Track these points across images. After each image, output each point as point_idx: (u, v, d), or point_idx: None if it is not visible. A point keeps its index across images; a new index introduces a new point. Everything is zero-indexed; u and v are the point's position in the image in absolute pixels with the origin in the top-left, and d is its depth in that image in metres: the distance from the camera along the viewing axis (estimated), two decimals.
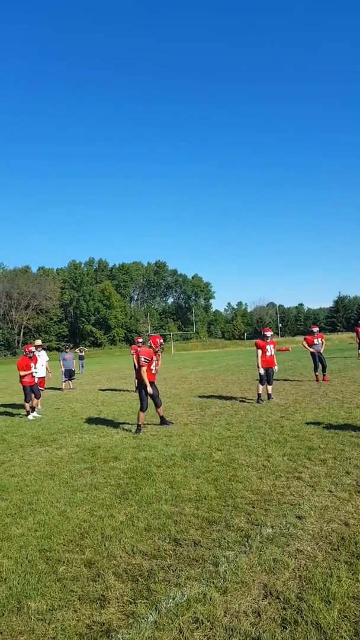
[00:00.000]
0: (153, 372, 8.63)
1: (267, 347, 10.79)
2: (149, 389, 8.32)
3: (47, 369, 12.76)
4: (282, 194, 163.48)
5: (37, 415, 10.92)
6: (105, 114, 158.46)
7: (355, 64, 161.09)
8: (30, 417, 10.82)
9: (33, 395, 10.99)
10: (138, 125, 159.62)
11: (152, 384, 8.48)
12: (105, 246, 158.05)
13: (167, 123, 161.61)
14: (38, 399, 11.13)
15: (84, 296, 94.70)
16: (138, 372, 8.57)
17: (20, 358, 11.26)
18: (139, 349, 9.28)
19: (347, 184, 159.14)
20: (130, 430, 8.40)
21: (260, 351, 10.72)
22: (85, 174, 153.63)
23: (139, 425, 8.31)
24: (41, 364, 12.50)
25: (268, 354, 10.78)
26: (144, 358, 8.31)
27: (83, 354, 27.21)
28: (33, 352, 11.41)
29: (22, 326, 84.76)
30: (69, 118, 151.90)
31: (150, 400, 8.56)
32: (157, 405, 8.68)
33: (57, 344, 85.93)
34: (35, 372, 11.37)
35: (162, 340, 8.94)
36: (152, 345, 8.76)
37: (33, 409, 10.95)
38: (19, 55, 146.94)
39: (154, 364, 8.56)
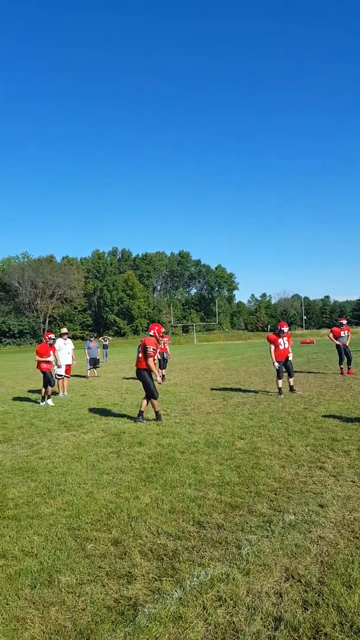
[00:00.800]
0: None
1: (280, 340, 10.71)
2: (159, 379, 8.44)
3: (72, 357, 13.01)
4: (308, 183, 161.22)
5: (51, 403, 10.99)
6: (129, 101, 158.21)
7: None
8: (42, 403, 10.93)
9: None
10: (162, 114, 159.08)
11: (149, 372, 8.37)
12: (129, 236, 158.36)
13: (191, 109, 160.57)
14: (52, 386, 11.24)
15: (107, 286, 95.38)
16: (145, 361, 8.28)
17: (40, 345, 11.47)
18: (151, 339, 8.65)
19: None
20: (148, 419, 8.54)
21: (273, 346, 10.65)
22: (110, 163, 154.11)
23: (157, 412, 8.37)
24: (67, 352, 12.83)
25: (281, 347, 10.70)
26: (152, 348, 8.22)
27: (107, 343, 27.51)
28: (54, 339, 11.67)
29: (47, 315, 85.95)
30: (90, 104, 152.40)
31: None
32: (152, 397, 8.50)
33: (82, 332, 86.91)
34: (54, 360, 11.69)
35: (163, 330, 8.80)
36: (157, 334, 8.58)
37: (49, 396, 11.09)
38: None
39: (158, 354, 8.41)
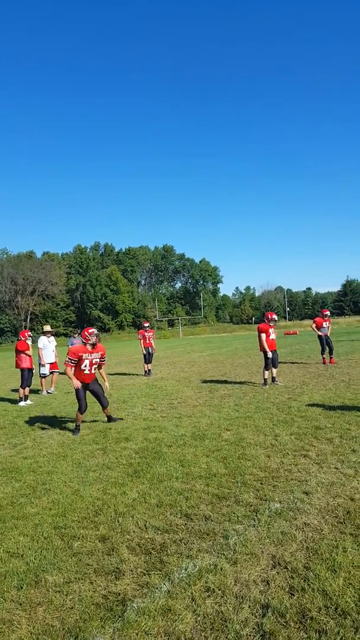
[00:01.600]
0: (86, 372, 7.42)
1: (270, 330, 10.80)
2: (75, 384, 7.36)
3: (55, 354, 12.92)
4: (290, 176, 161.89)
5: (30, 402, 10.91)
6: (109, 92, 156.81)
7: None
8: (22, 404, 10.79)
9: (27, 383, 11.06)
10: (143, 105, 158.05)
11: (93, 383, 7.59)
12: (111, 230, 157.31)
13: (172, 102, 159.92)
14: (30, 386, 11.14)
15: (90, 281, 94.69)
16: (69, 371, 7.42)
17: (19, 342, 11.33)
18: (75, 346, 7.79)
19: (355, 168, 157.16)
20: (124, 417, 8.53)
21: (264, 335, 10.71)
22: (89, 156, 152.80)
23: (77, 426, 7.48)
24: (51, 350, 12.73)
25: (271, 337, 10.79)
26: (68, 358, 7.32)
27: None
28: (31, 336, 11.64)
29: (29, 312, 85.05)
30: (70, 97, 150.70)
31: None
32: (103, 405, 7.81)
33: (65, 329, 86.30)
34: (37, 359, 11.69)
35: (93, 330, 7.53)
36: (84, 340, 7.50)
37: (27, 396, 11.00)
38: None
39: (86, 362, 7.35)
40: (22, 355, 11.12)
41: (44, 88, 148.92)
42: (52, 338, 13.14)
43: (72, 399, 11.15)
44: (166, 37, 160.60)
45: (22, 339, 11.35)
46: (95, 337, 7.42)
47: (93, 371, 7.49)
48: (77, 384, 7.34)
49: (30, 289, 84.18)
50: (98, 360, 7.50)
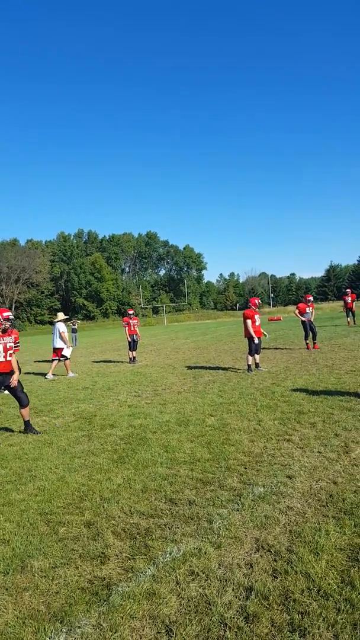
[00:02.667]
0: (0, 359, 6.56)
1: (256, 316, 10.85)
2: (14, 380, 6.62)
3: (64, 340, 13.18)
4: (273, 163, 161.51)
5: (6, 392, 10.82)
6: (87, 77, 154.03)
7: None
8: (6, 392, 10.68)
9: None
10: (126, 91, 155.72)
11: (7, 377, 6.66)
12: (94, 217, 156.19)
13: (158, 88, 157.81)
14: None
15: (74, 269, 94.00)
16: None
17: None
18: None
19: (336, 154, 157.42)
20: (126, 400, 8.54)
21: (250, 321, 10.76)
22: (72, 142, 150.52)
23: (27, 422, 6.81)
24: (57, 336, 13.01)
25: (257, 323, 10.85)
26: None
27: (75, 326, 27.26)
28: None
29: (14, 300, 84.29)
30: (51, 83, 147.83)
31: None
32: (21, 404, 6.75)
33: (50, 317, 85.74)
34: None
35: (9, 314, 6.74)
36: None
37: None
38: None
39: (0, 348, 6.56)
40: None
41: (28, 73, 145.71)
42: (62, 325, 13.36)
43: (58, 386, 11.13)
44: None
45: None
46: (9, 323, 6.66)
47: (9, 358, 6.62)
48: None
49: (14, 277, 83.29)
50: (12, 345, 6.72)
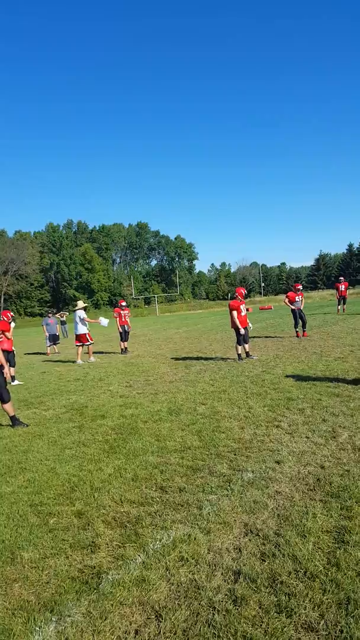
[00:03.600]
0: None
1: (241, 307, 10.87)
2: (8, 376, 6.36)
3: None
4: (263, 153, 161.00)
5: (19, 382, 10.87)
6: (85, 65, 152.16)
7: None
8: (14, 383, 10.78)
9: (8, 364, 10.94)
10: (113, 81, 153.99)
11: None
12: (84, 208, 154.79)
13: (148, 75, 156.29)
14: (13, 367, 11.07)
15: (64, 260, 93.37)
16: None
17: (0, 322, 11.11)
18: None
19: (325, 143, 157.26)
20: (118, 392, 8.54)
21: (235, 312, 10.77)
22: (59, 132, 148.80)
23: (13, 418, 6.66)
24: (79, 323, 13.72)
25: (242, 314, 10.86)
26: None
27: (64, 318, 27.14)
28: (13, 318, 11.63)
29: (2, 292, 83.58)
30: (42, 72, 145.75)
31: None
32: (2, 400, 6.55)
33: (40, 309, 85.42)
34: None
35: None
36: None
37: (13, 377, 10.91)
38: None
39: None
40: (3, 336, 10.92)
41: (19, 62, 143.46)
42: (82, 312, 13.94)
43: (49, 378, 11.10)
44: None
45: (4, 319, 11.12)
46: None
47: None
48: None
49: (3, 269, 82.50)
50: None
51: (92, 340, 14.11)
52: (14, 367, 11.09)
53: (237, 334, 10.68)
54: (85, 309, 14.28)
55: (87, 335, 13.85)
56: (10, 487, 4.36)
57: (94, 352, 14.38)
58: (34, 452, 5.33)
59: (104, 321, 14.33)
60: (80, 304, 14.32)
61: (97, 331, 32.21)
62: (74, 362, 13.85)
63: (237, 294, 11.11)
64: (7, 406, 6.62)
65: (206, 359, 11.63)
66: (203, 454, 4.71)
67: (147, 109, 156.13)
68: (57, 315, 26.37)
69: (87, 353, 14.07)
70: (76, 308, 14.17)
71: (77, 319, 13.78)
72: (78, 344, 13.93)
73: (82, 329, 13.77)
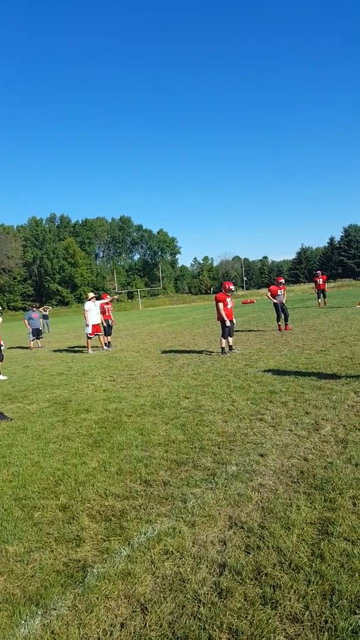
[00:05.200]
0: None
1: (228, 300, 10.91)
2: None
3: (109, 317, 14.86)
4: (246, 145, 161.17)
5: (3, 377, 10.71)
6: (66, 55, 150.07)
7: None
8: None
9: None
10: (102, 67, 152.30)
11: None
12: (67, 201, 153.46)
13: (132, 62, 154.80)
14: (1, 361, 10.95)
15: (47, 254, 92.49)
16: None
17: None
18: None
19: (307, 137, 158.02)
20: (101, 386, 8.51)
21: (221, 304, 10.80)
22: (42, 123, 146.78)
23: None
24: (96, 313, 14.09)
25: (228, 306, 10.90)
26: None
27: (47, 312, 26.90)
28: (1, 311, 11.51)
29: None
30: (27, 62, 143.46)
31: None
32: None
33: (23, 303, 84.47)
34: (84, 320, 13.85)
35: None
36: None
37: None
38: None
39: None
40: None
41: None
42: (97, 302, 14.40)
43: (32, 372, 11.01)
44: None
45: None
46: None
47: None
48: None
49: None
50: None
51: (101, 331, 14.50)
52: (1, 361, 10.94)
53: (222, 326, 10.71)
54: (97, 299, 14.65)
55: (99, 326, 14.29)
56: None
57: (92, 347, 14.45)
58: (18, 446, 5.29)
59: (87, 329, 14.26)
60: (90, 295, 14.62)
61: (77, 325, 32.00)
62: (85, 351, 14.17)
63: (222, 287, 11.16)
64: None
65: (189, 352, 11.65)
66: (187, 448, 4.72)
67: (129, 100, 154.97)
68: (40, 309, 26.11)
69: (101, 343, 14.49)
70: (87, 299, 14.44)
71: (94, 309, 14.01)
72: (95, 334, 14.12)
73: (97, 319, 14.08)
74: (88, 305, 14.07)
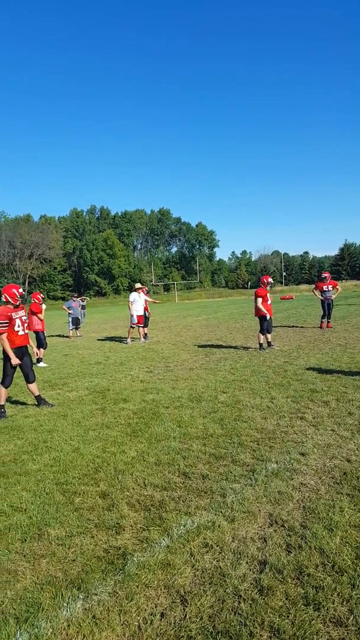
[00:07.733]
0: (21, 333, 6.47)
1: (267, 295, 10.76)
2: (14, 361, 6.29)
3: (145, 308, 14.53)
4: (288, 139, 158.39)
5: (42, 365, 10.86)
6: (108, 49, 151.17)
7: None
8: (40, 365, 10.82)
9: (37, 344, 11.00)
10: (142, 63, 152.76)
11: (20, 349, 6.50)
12: (107, 194, 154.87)
13: (172, 58, 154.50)
14: (45, 349, 11.20)
15: (87, 245, 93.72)
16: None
17: (33, 304, 11.13)
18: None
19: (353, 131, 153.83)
20: (138, 377, 8.58)
21: (260, 299, 10.65)
22: (86, 117, 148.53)
23: (1, 406, 6.42)
24: (141, 304, 14.18)
25: (268, 302, 10.75)
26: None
27: (84, 303, 27.32)
28: (43, 300, 11.69)
29: (27, 276, 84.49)
30: (68, 51, 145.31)
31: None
32: (29, 380, 6.67)
33: (62, 293, 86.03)
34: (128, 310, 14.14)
35: (21, 291, 6.56)
36: (10, 299, 6.41)
37: (39, 359, 10.92)
38: None
39: (17, 322, 6.41)
40: (35, 317, 11.02)
41: (34, 37, 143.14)
42: (142, 294, 14.46)
43: (71, 361, 11.21)
44: None
45: (35, 301, 11.17)
46: (21, 300, 6.51)
47: (26, 331, 6.59)
48: (16, 360, 6.32)
49: (28, 253, 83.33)
50: (25, 318, 6.62)
51: (142, 323, 14.58)
52: (45, 348, 11.20)
53: (261, 322, 10.60)
54: (137, 290, 14.73)
55: (142, 317, 14.40)
56: (37, 465, 4.43)
57: (132, 337, 14.68)
58: (59, 432, 5.40)
59: (132, 319, 14.34)
60: (137, 285, 14.85)
61: (114, 316, 32.38)
62: (124, 341, 14.63)
63: (261, 282, 11.03)
64: (32, 386, 6.70)
65: (226, 347, 11.59)
66: (225, 442, 4.70)
67: (175, 95, 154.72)
68: (79, 299, 26.50)
69: (139, 334, 14.60)
70: (141, 289, 14.60)
71: (138, 300, 14.14)
72: (137, 324, 14.27)
73: (141, 311, 14.26)
74: (133, 296, 14.23)
